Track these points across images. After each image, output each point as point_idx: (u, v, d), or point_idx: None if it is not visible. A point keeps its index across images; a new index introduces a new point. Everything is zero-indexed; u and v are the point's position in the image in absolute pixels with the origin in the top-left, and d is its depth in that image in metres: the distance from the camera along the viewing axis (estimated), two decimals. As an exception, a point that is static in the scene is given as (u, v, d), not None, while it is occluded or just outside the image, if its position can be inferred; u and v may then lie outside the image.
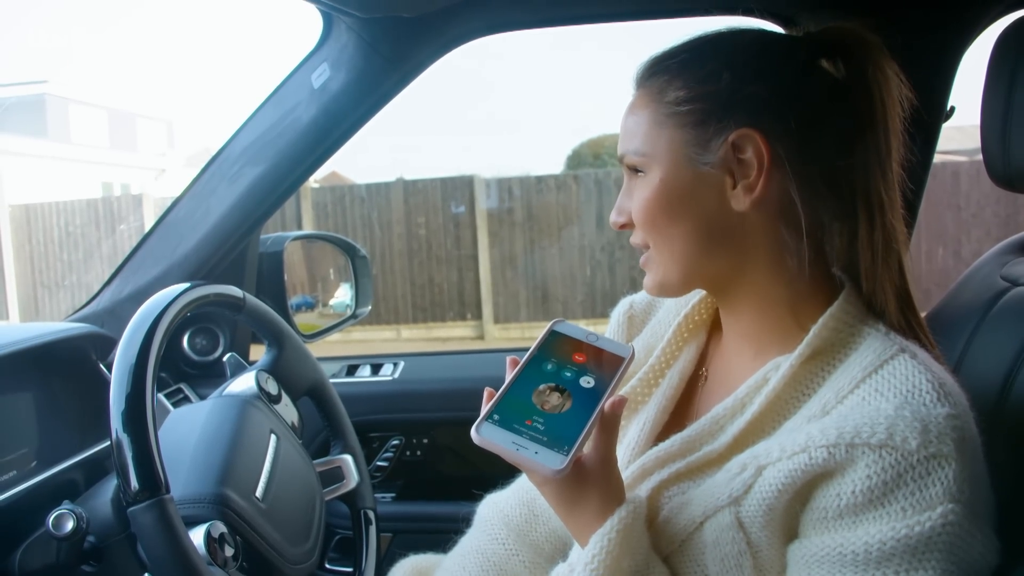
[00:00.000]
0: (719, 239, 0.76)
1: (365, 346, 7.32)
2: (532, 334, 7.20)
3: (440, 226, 7.64)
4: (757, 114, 0.73)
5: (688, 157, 0.75)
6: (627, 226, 0.80)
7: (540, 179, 7.60)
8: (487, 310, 7.63)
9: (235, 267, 1.46)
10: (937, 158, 1.28)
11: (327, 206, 7.86)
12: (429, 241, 7.66)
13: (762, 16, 1.24)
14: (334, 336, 1.67)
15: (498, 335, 7.60)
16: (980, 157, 1.02)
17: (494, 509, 1.00)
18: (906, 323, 0.76)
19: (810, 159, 0.73)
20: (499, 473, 1.01)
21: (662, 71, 0.77)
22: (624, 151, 0.79)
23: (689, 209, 0.75)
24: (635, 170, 0.78)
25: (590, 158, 10.74)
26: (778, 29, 1.15)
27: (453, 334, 7.65)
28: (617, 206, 0.81)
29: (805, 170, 0.73)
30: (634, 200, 0.78)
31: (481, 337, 7.59)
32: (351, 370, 1.67)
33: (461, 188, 7.58)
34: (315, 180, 8.75)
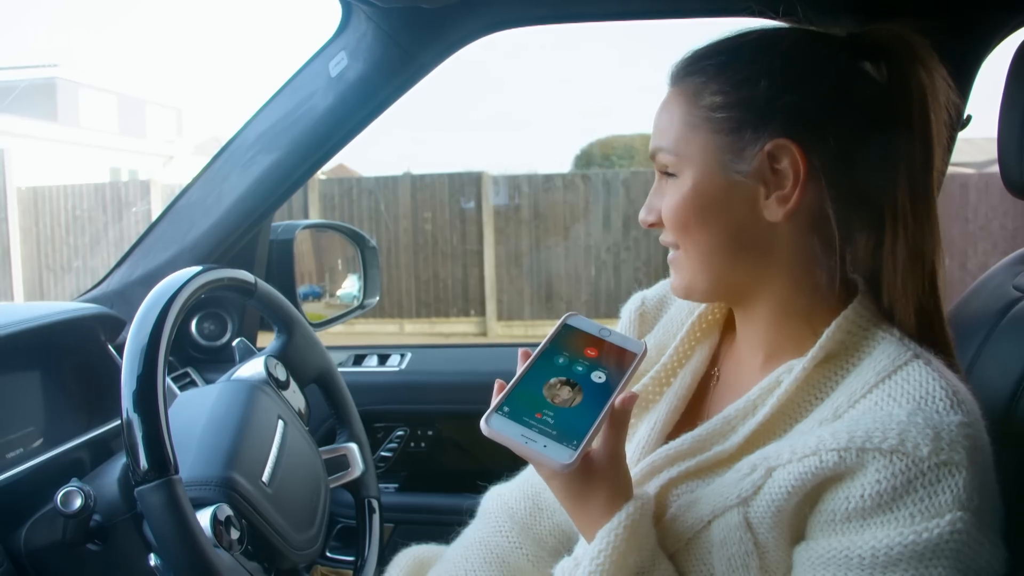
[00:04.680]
0: (748, 248, 0.75)
1: (368, 339, 7.31)
2: (536, 332, 7.20)
3: (446, 221, 7.63)
4: (794, 124, 0.71)
5: (721, 164, 0.74)
6: (656, 225, 0.79)
7: (548, 177, 7.60)
8: (491, 307, 7.62)
9: (245, 254, 1.47)
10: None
11: (334, 198, 7.87)
12: (435, 236, 7.66)
13: (777, 18, 1.24)
14: (337, 327, 1.67)
15: (501, 332, 7.59)
16: (989, 170, 1.01)
17: (498, 501, 1.00)
18: (929, 333, 0.74)
19: (846, 171, 0.72)
20: (503, 467, 1.01)
21: (698, 71, 0.76)
22: (656, 149, 0.78)
23: (720, 216, 0.75)
24: (666, 171, 0.78)
25: (599, 158, 10.71)
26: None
27: (457, 330, 7.65)
28: (647, 204, 0.80)
29: (841, 183, 0.72)
30: (665, 202, 0.77)
31: (484, 333, 7.59)
32: (358, 360, 1.67)
33: (469, 184, 7.57)
34: (322, 172, 8.73)
